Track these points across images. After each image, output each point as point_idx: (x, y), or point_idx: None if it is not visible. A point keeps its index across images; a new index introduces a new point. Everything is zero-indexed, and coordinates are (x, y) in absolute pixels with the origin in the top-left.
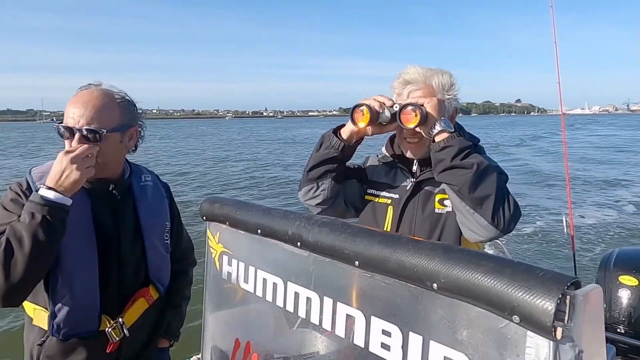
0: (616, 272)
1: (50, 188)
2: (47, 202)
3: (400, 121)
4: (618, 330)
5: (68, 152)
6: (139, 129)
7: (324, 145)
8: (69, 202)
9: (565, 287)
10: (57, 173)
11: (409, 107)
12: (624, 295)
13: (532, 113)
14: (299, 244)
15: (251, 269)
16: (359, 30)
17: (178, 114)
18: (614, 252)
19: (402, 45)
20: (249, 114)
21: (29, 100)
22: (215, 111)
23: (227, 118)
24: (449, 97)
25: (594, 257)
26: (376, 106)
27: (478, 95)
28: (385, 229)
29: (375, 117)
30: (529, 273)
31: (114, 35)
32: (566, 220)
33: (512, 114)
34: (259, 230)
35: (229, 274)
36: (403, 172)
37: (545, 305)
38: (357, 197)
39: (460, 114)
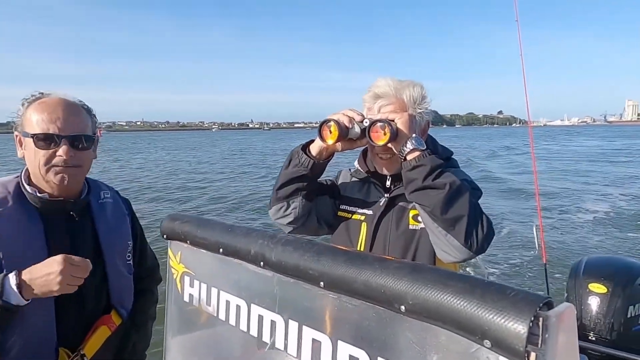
0: (586, 280)
1: (20, 282)
2: (3, 297)
3: (370, 138)
4: (589, 337)
5: (68, 261)
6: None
7: (293, 163)
8: (22, 303)
9: (538, 308)
10: (41, 274)
11: (379, 124)
12: (594, 303)
13: (514, 124)
14: (262, 263)
15: (214, 291)
16: (346, 43)
17: (163, 125)
18: (582, 260)
19: (390, 57)
20: (235, 125)
21: (9, 112)
22: (200, 123)
23: (213, 130)
24: (420, 110)
25: (566, 265)
26: (345, 121)
27: (461, 107)
28: (359, 246)
29: (344, 133)
30: (499, 294)
31: (98, 46)
32: (537, 231)
33: (495, 125)
34: (221, 249)
35: (191, 296)
36: (376, 187)
37: (517, 328)
38: (330, 213)
39: (445, 126)
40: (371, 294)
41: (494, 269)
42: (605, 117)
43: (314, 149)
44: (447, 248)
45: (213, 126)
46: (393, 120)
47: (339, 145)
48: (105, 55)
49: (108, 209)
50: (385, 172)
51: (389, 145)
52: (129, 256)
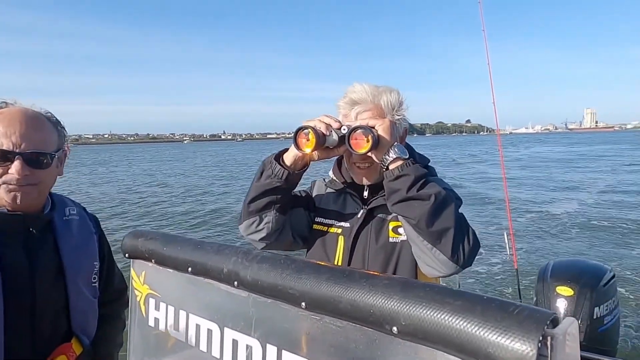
0: (553, 283)
1: None
2: None
3: (350, 146)
4: None
5: None
6: (67, 151)
7: (266, 174)
8: None
9: (545, 327)
10: None
11: (360, 131)
12: (562, 306)
13: (481, 133)
14: (236, 283)
15: (182, 314)
16: (316, 53)
17: (132, 138)
18: (549, 263)
19: (357, 68)
20: (207, 137)
21: None
22: (171, 135)
23: (185, 142)
24: (398, 117)
25: (536, 269)
26: (322, 128)
27: (431, 117)
28: (336, 260)
29: (321, 141)
30: (502, 311)
31: (62, 57)
32: (507, 237)
33: (464, 134)
34: (190, 268)
35: (157, 320)
36: (353, 198)
37: (526, 350)
38: (305, 227)
39: (416, 135)
40: (359, 314)
41: (466, 278)
42: (566, 124)
43: (289, 158)
44: (433, 262)
45: (184, 138)
46: (373, 127)
47: (315, 154)
48: (70, 67)
49: (74, 227)
50: (364, 182)
51: (369, 154)
52: (94, 278)
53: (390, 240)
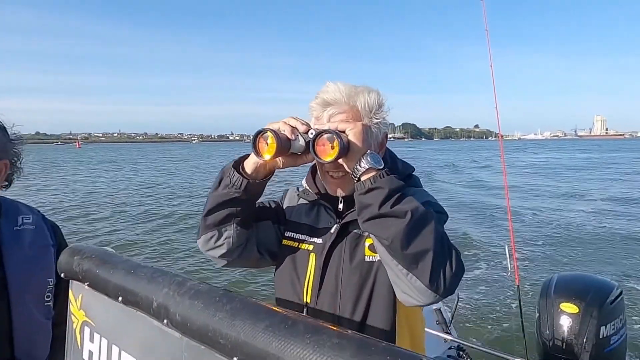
0: (557, 299)
1: None
2: None
3: (315, 153)
4: (561, 359)
5: None
6: (10, 162)
7: (223, 183)
8: None
9: None
10: None
11: (325, 136)
12: (565, 323)
13: (489, 138)
14: (165, 321)
15: (114, 350)
16: (323, 56)
17: (141, 137)
18: (553, 278)
19: (365, 71)
20: (214, 137)
21: None
22: (179, 135)
23: (193, 142)
24: (377, 120)
25: (539, 283)
26: (287, 132)
27: (439, 121)
28: (306, 281)
29: (285, 146)
30: None
31: (70, 57)
32: (509, 251)
33: (472, 139)
34: (120, 297)
35: (91, 353)
36: (327, 211)
37: None
38: (274, 242)
39: (424, 139)
40: None
41: (465, 294)
42: (575, 131)
43: (249, 165)
44: (409, 290)
45: (192, 138)
46: (343, 132)
47: (279, 161)
48: (81, 67)
49: (25, 237)
50: (338, 193)
51: (340, 161)
52: (48, 296)
53: (367, 259)
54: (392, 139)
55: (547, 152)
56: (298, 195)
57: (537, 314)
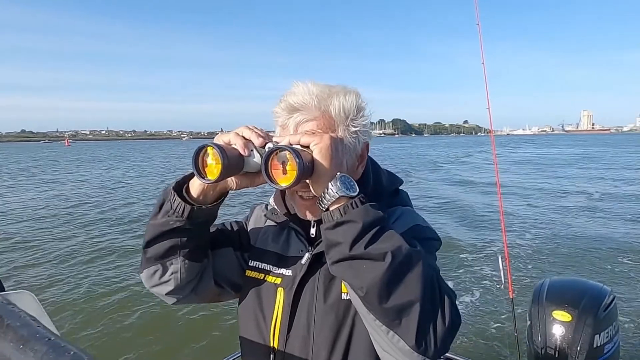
0: (549, 306)
1: None
2: None
3: (267, 175)
4: None
5: None
6: None
7: (164, 209)
8: None
9: None
10: None
11: (280, 154)
12: (558, 332)
13: (479, 133)
14: None
15: None
16: (310, 53)
17: (129, 134)
18: (545, 283)
19: (356, 68)
20: (205, 134)
21: None
22: (169, 132)
23: (183, 139)
24: (355, 128)
25: (530, 288)
26: (238, 146)
27: (429, 117)
28: (273, 321)
29: (235, 165)
30: None
31: (59, 53)
32: (502, 261)
33: (461, 134)
34: None
35: None
36: (298, 236)
37: None
38: (236, 272)
39: (414, 135)
40: None
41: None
42: (563, 126)
43: (195, 187)
44: (391, 350)
45: (182, 135)
46: (307, 147)
47: (231, 181)
48: (68, 63)
49: None
50: (308, 216)
51: (308, 181)
52: None
53: (344, 296)
54: (382, 135)
55: (537, 147)
56: (265, 215)
57: (529, 322)
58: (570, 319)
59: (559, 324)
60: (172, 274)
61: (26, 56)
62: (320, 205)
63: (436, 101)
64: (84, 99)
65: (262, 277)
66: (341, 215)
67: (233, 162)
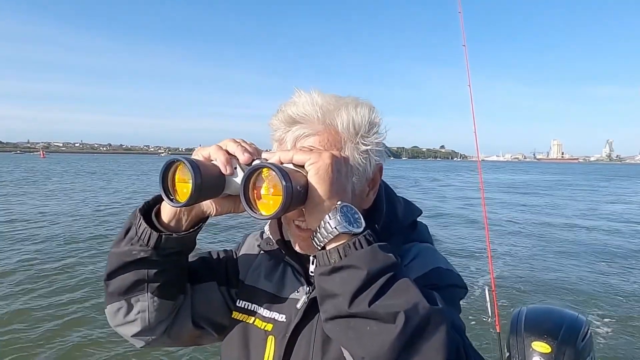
0: (528, 337)
1: None
2: None
3: (247, 201)
4: None
5: None
6: None
7: (129, 236)
8: None
9: None
10: None
11: (265, 174)
12: None
13: (455, 158)
14: None
15: None
16: (293, 74)
17: (104, 148)
18: (521, 312)
19: (334, 90)
20: (183, 151)
21: None
22: (145, 147)
23: (161, 155)
24: (366, 146)
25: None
26: (219, 163)
27: (406, 140)
28: None
29: (213, 185)
30: None
31: (27, 62)
32: (489, 295)
33: (438, 159)
34: None
35: None
36: (295, 273)
37: None
38: (220, 311)
39: (392, 158)
40: None
41: None
42: (534, 154)
43: (166, 211)
44: None
45: (160, 150)
46: (302, 167)
47: (209, 205)
48: (41, 73)
49: None
50: (304, 250)
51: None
52: None
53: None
54: None
55: (515, 174)
56: (259, 246)
57: (508, 353)
58: (549, 350)
59: (538, 356)
60: (138, 312)
61: None
62: (315, 241)
63: (412, 125)
64: (56, 109)
65: (250, 321)
66: (340, 257)
67: (210, 182)
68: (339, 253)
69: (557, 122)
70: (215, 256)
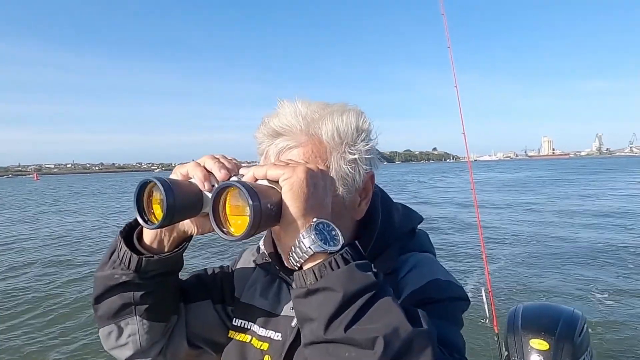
0: (525, 335)
1: None
2: None
3: (215, 221)
4: None
5: None
6: None
7: (112, 259)
8: None
9: None
10: None
11: (231, 193)
12: None
13: (447, 160)
14: None
15: None
16: (281, 83)
17: (97, 167)
18: (517, 310)
19: (326, 96)
20: (175, 166)
21: None
22: (138, 164)
23: (155, 171)
24: (352, 155)
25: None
26: (197, 179)
27: (399, 144)
28: None
29: (188, 204)
30: None
31: (18, 84)
32: (486, 295)
33: (431, 161)
34: None
35: None
36: (290, 288)
37: None
38: (216, 329)
39: (386, 163)
40: None
41: None
42: (526, 152)
43: (147, 232)
44: None
45: (153, 167)
46: (276, 182)
47: (190, 225)
48: (31, 95)
49: None
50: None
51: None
52: None
53: None
54: None
55: (508, 172)
56: (255, 261)
57: (506, 352)
58: (547, 347)
59: (537, 354)
60: (129, 336)
61: None
62: (291, 261)
63: (406, 128)
64: (46, 132)
65: (247, 340)
66: (316, 279)
67: (186, 201)
68: (314, 274)
69: (548, 118)
70: (210, 273)
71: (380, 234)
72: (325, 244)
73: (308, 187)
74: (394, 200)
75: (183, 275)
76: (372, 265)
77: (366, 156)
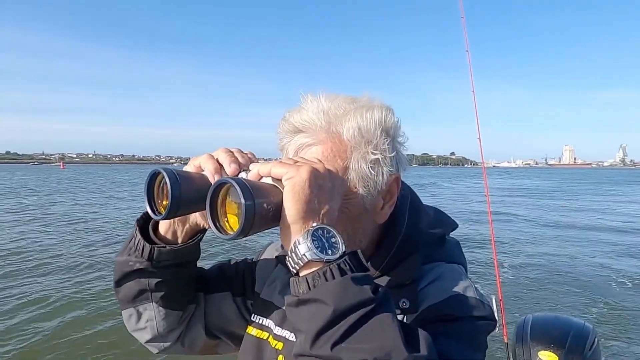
0: (534, 346)
1: None
2: None
3: (212, 218)
4: None
5: None
6: None
7: (129, 246)
8: None
9: None
10: None
11: (232, 189)
12: None
13: (466, 165)
14: None
15: None
16: (296, 82)
17: (117, 159)
18: (527, 321)
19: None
20: None
21: None
22: (157, 157)
23: (175, 164)
24: (375, 155)
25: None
26: (208, 172)
27: (416, 148)
28: None
29: (197, 197)
30: None
31: (45, 75)
32: (496, 303)
33: (448, 166)
34: None
35: None
36: None
37: None
38: (235, 322)
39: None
40: None
41: None
42: (546, 160)
43: (162, 223)
44: None
45: (172, 160)
46: (280, 181)
47: (200, 218)
48: (56, 85)
49: None
50: None
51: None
52: None
53: None
54: None
55: (522, 179)
56: (277, 257)
57: None
58: (556, 359)
59: None
60: (147, 321)
61: (8, 77)
62: (289, 266)
63: (422, 133)
64: (71, 121)
65: (264, 337)
66: (309, 288)
67: (195, 194)
68: (307, 283)
69: (569, 127)
70: (233, 265)
71: (404, 240)
72: (322, 252)
73: (311, 189)
74: (427, 204)
75: (207, 264)
76: (389, 274)
77: (390, 156)
